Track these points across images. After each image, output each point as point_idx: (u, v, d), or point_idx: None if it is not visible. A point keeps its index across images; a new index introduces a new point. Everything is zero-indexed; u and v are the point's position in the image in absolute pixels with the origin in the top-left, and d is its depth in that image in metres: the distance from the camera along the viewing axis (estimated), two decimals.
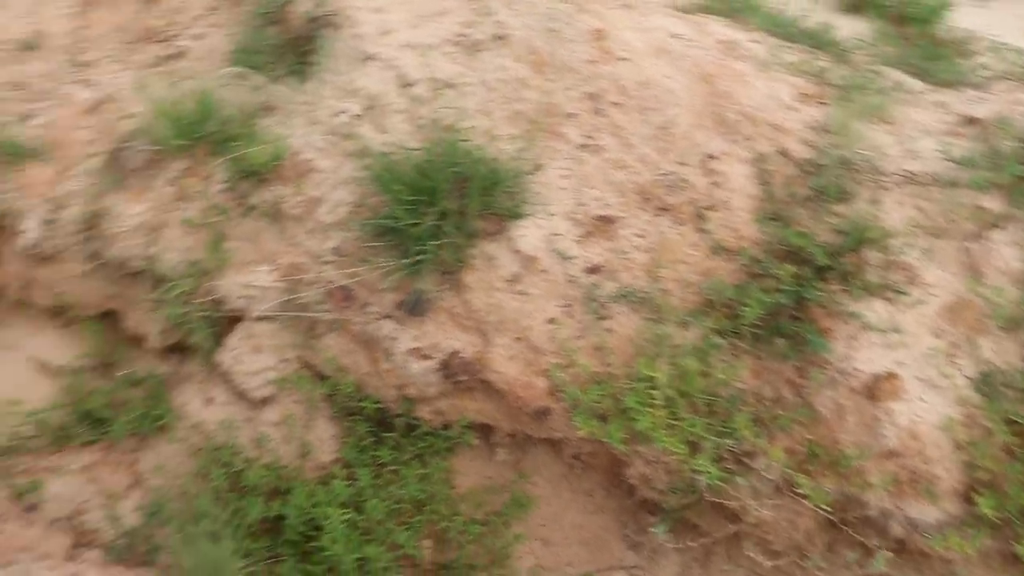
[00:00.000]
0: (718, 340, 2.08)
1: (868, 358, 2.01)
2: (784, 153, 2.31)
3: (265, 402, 2.30)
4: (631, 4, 2.85)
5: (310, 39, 2.51)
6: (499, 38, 2.48)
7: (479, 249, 2.16)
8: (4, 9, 2.76)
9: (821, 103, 2.45)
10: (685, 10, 3.04)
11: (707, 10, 3.10)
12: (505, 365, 2.14)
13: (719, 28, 2.80)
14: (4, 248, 2.53)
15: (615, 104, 2.42)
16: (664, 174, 2.31)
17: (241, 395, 2.31)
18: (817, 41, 2.89)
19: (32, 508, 2.20)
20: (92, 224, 2.39)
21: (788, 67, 2.58)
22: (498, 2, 2.54)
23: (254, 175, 2.28)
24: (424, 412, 2.24)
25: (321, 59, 2.45)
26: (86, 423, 2.43)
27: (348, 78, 2.41)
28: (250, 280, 2.25)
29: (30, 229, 2.44)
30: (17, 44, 2.71)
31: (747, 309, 2.06)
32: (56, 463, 2.34)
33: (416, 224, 2.07)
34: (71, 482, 2.30)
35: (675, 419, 2.01)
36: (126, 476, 2.36)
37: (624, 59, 2.49)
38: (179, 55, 2.72)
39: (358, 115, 2.35)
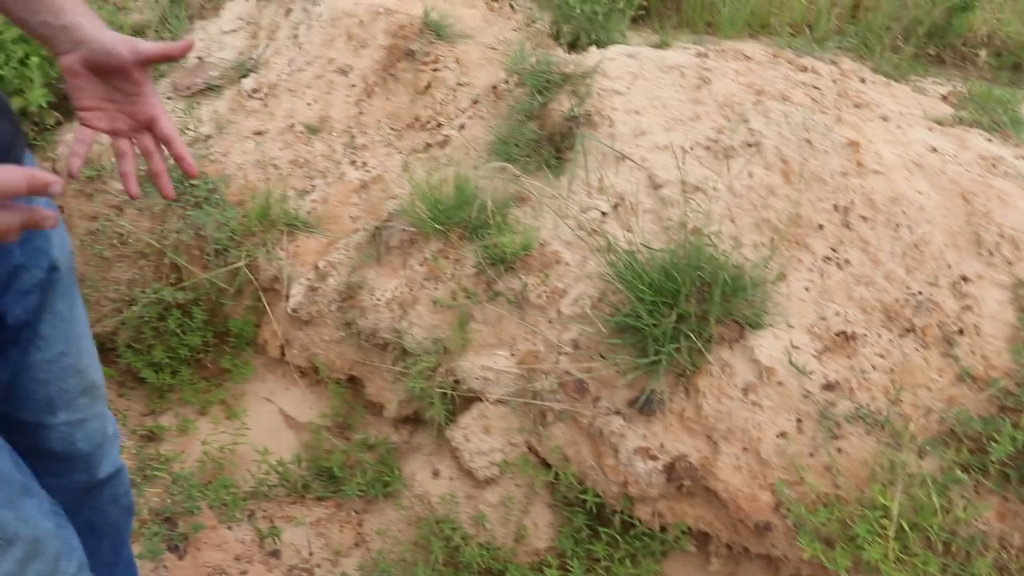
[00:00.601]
0: (960, 474, 2.01)
1: None
2: None
3: (488, 482, 2.41)
4: (889, 116, 2.83)
5: (566, 136, 2.66)
6: (750, 145, 2.54)
7: (715, 355, 2.20)
8: (298, 97, 3.10)
9: None
10: (945, 123, 2.99)
11: (969, 123, 3.03)
12: (730, 474, 2.15)
13: (981, 143, 2.74)
14: (272, 309, 2.80)
15: (864, 218, 2.40)
16: (911, 293, 2.28)
17: (467, 473, 2.43)
18: None
19: (274, 554, 2.40)
20: (349, 295, 2.62)
21: None
22: (753, 110, 2.61)
23: (502, 262, 2.43)
24: (643, 512, 2.28)
25: (575, 156, 2.59)
26: (322, 479, 2.64)
27: (600, 175, 2.53)
28: (488, 363, 2.39)
29: (295, 294, 2.71)
30: (305, 127, 3.03)
31: (995, 445, 1.98)
32: (292, 513, 2.54)
33: (656, 325, 2.13)
34: (304, 533, 2.49)
35: (907, 553, 1.95)
36: (351, 535, 2.53)
37: (877, 172, 2.48)
38: (443, 143, 2.96)
39: (606, 212, 2.47)
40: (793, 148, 2.53)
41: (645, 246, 2.30)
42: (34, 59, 3.01)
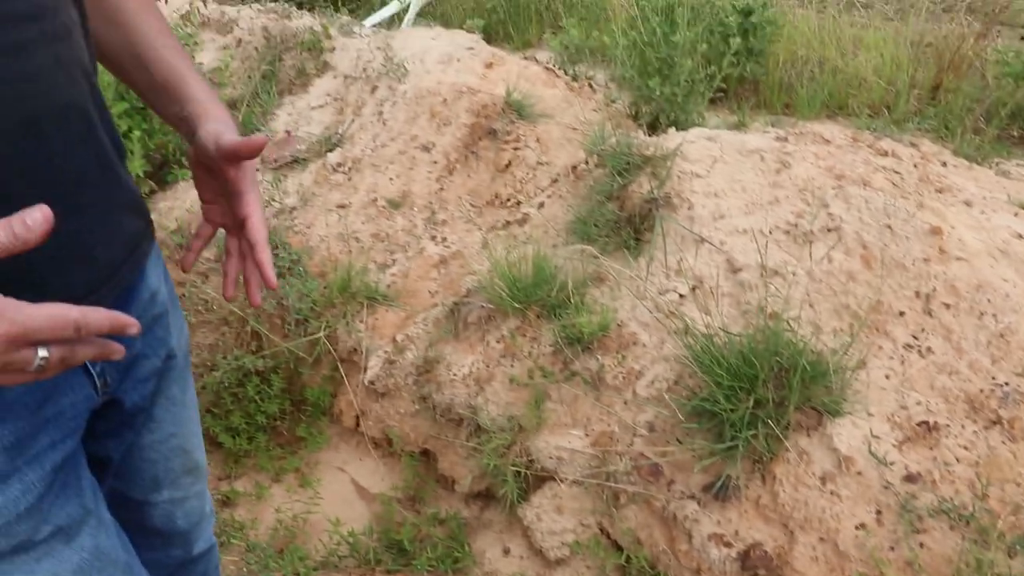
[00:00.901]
0: None
1: None
2: None
3: (559, 562, 2.41)
4: (972, 201, 2.81)
5: (645, 218, 2.69)
6: (830, 230, 2.54)
7: (793, 442, 2.18)
8: (381, 172, 3.19)
9: None
10: None
11: None
12: (807, 565, 2.11)
13: None
14: (349, 380, 2.85)
15: (947, 306, 2.38)
16: (997, 384, 2.24)
17: (537, 552, 2.43)
18: None
19: None
20: (426, 369, 2.66)
21: None
22: (833, 195, 2.61)
23: (579, 342, 2.45)
24: None
25: (654, 238, 2.61)
26: (392, 552, 2.65)
27: (679, 258, 2.55)
28: (562, 443, 2.40)
29: (373, 366, 2.76)
30: (387, 202, 3.11)
31: None
32: None
33: (733, 410, 2.13)
34: None
35: None
36: None
37: (960, 259, 2.45)
38: (522, 221, 3.01)
39: (684, 295, 2.48)
40: (874, 234, 2.53)
41: (723, 330, 2.30)
42: (136, 132, 3.17)
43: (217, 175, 1.19)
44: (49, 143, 0.93)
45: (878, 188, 2.70)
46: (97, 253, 1.06)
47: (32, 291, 0.91)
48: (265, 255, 1.16)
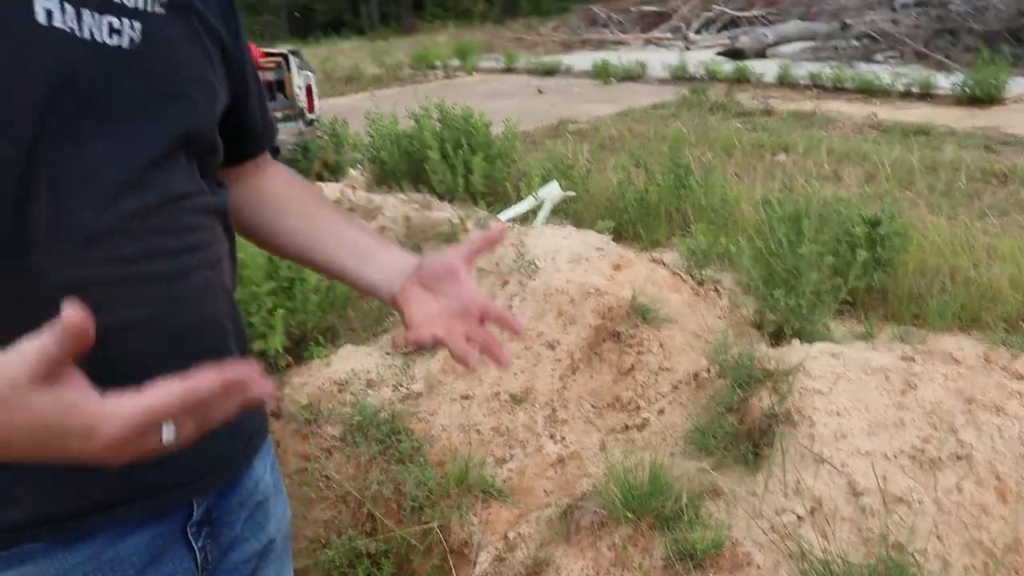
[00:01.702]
0: None
1: None
2: None
3: None
4: None
5: (765, 433, 2.64)
6: (959, 458, 2.43)
7: None
8: (505, 369, 3.23)
9: None
10: None
11: None
12: None
13: None
14: (458, 572, 2.82)
15: None
16: None
17: None
18: None
19: None
20: (536, 570, 2.61)
21: None
22: (963, 420, 2.51)
23: (692, 558, 2.37)
24: None
25: (773, 454, 2.55)
26: None
27: (797, 477, 2.47)
28: None
29: (483, 562, 2.72)
30: (510, 397, 3.15)
31: None
32: None
33: None
34: None
35: None
36: None
37: None
38: (641, 426, 2.99)
39: (802, 516, 2.39)
40: (1008, 465, 2.40)
41: (842, 557, 2.19)
42: (279, 310, 3.35)
43: (438, 288, 1.19)
44: (190, 353, 0.99)
45: (1012, 415, 2.58)
46: (212, 449, 1.11)
47: (145, 483, 1.01)
48: (503, 311, 1.16)
